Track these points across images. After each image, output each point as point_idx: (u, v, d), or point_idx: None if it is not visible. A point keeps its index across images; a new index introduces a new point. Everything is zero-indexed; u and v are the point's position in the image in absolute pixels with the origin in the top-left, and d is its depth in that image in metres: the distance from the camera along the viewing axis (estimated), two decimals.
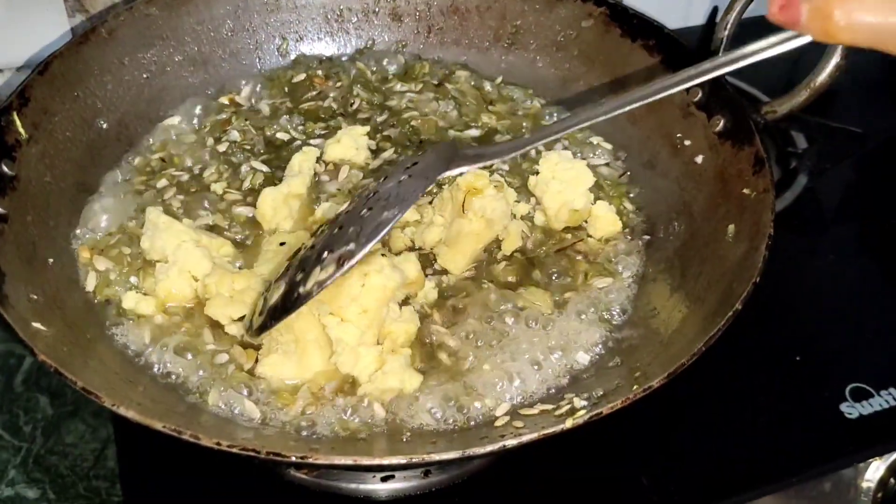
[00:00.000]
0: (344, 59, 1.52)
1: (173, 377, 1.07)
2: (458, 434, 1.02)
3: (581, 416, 0.90)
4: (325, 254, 0.99)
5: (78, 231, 1.21)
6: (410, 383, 1.05)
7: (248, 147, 1.35)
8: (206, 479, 1.13)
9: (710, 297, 1.08)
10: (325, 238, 1.02)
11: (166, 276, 1.14)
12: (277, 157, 1.34)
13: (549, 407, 1.02)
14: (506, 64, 1.51)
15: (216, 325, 1.12)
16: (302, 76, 1.47)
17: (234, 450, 0.85)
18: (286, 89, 1.46)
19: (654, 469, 1.17)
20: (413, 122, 1.41)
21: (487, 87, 1.48)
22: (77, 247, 1.20)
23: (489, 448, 0.88)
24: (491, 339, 1.12)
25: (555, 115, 1.45)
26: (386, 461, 0.88)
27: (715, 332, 0.96)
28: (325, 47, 1.53)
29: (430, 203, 1.24)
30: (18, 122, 1.18)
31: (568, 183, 1.24)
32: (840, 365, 1.31)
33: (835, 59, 1.15)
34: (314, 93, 1.45)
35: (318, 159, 1.31)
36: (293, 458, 0.87)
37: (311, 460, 0.87)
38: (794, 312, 1.39)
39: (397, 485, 1.13)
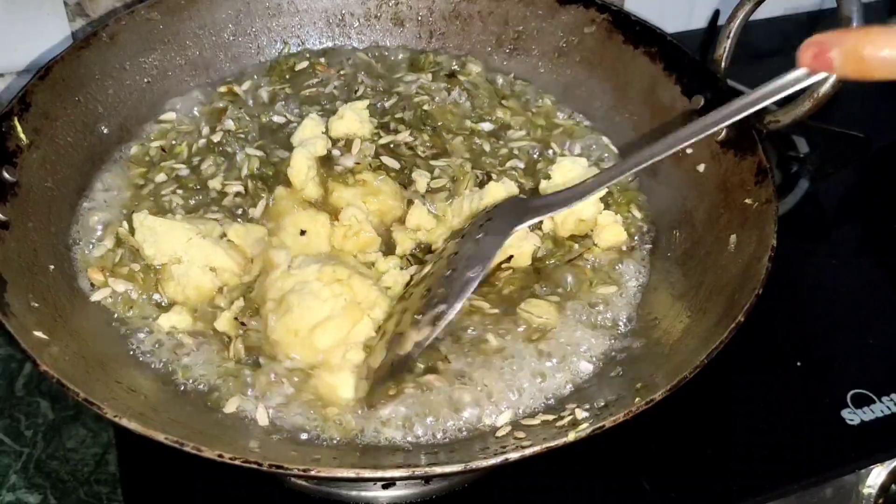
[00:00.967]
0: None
1: (176, 383, 1.07)
2: (459, 445, 1.02)
3: (584, 430, 0.90)
4: (419, 317, 1.04)
5: (75, 233, 1.21)
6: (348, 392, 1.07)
7: (243, 135, 1.35)
8: (207, 485, 1.13)
9: (712, 307, 1.08)
10: (419, 304, 1.07)
11: (187, 277, 1.14)
12: (273, 139, 1.34)
13: (551, 417, 1.02)
14: (508, 69, 1.51)
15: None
16: (305, 64, 1.46)
17: (237, 462, 0.85)
18: (287, 76, 1.45)
19: (655, 474, 1.17)
20: (425, 107, 1.40)
21: (500, 80, 1.48)
22: (79, 257, 1.19)
23: (491, 461, 0.88)
24: (491, 349, 1.12)
25: (566, 113, 1.46)
26: (388, 474, 0.88)
27: (717, 344, 0.96)
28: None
29: (450, 205, 1.25)
30: (19, 128, 1.17)
31: None
32: (842, 371, 1.31)
33: None
34: (316, 80, 1.45)
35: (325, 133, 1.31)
36: (296, 471, 0.87)
37: (313, 472, 0.87)
38: (796, 318, 1.40)
39: (398, 492, 1.13)
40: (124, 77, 1.34)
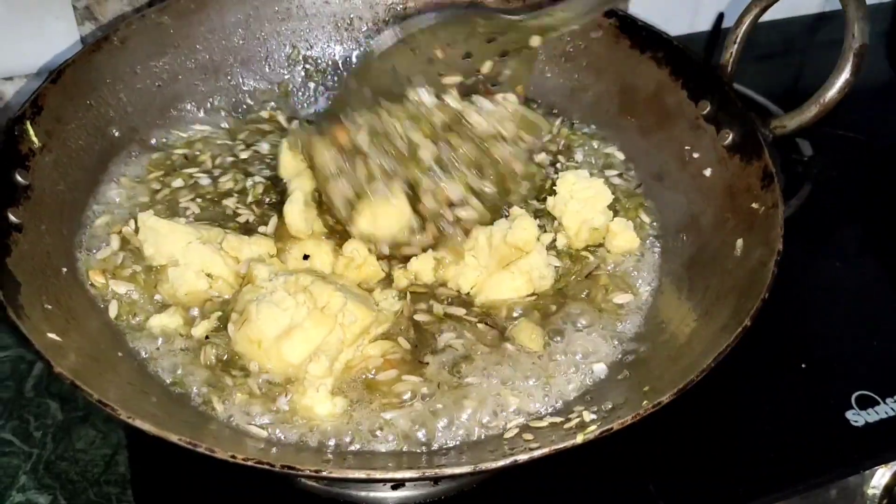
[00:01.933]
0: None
1: (183, 388, 1.08)
2: (468, 447, 1.03)
3: (592, 432, 0.91)
4: None
5: (85, 236, 1.22)
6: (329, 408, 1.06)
7: (271, 159, 1.36)
8: (216, 486, 1.14)
9: (719, 311, 1.08)
10: None
11: (182, 279, 1.15)
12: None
13: (559, 420, 1.03)
14: None
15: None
16: None
17: (250, 462, 0.86)
18: None
19: (661, 476, 1.17)
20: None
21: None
22: (83, 260, 1.19)
23: (500, 463, 0.89)
24: (497, 356, 1.13)
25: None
26: (399, 475, 0.89)
27: (724, 348, 0.97)
28: (334, 55, 1.53)
29: (470, 251, 1.22)
30: (32, 131, 1.18)
31: (586, 202, 1.24)
32: (846, 373, 1.31)
33: (844, 76, 1.15)
34: None
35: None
36: (307, 471, 0.88)
37: (324, 473, 0.88)
38: (800, 320, 1.40)
39: (407, 493, 1.14)
40: (135, 81, 1.35)
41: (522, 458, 0.89)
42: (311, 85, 1.51)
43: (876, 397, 1.27)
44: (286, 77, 1.50)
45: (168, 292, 1.16)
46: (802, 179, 1.61)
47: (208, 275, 1.16)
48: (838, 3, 1.19)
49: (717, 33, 1.88)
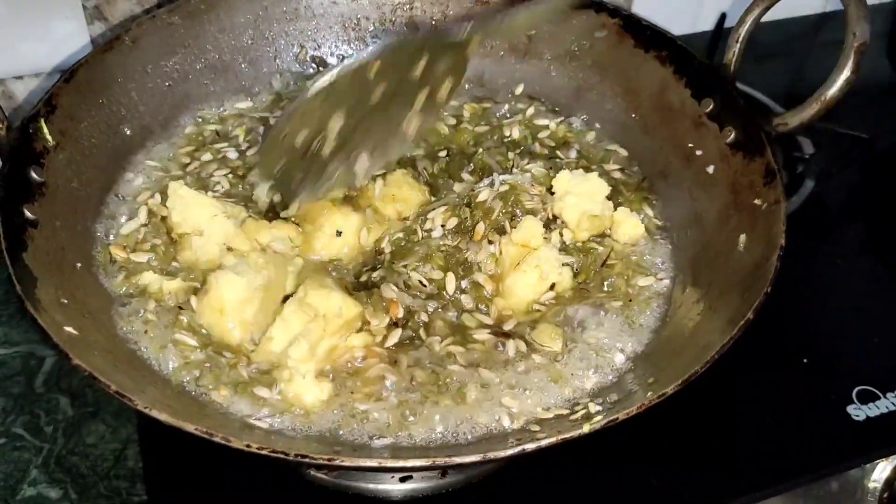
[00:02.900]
0: None
1: (195, 380, 1.09)
2: (476, 438, 1.04)
3: (598, 422, 0.92)
4: None
5: (100, 230, 1.24)
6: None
7: None
8: (226, 477, 1.15)
9: (722, 305, 1.09)
10: None
11: (203, 249, 1.18)
12: None
13: (565, 411, 1.05)
14: (520, 73, 1.52)
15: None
16: None
17: (264, 452, 0.88)
18: None
19: (663, 470, 1.19)
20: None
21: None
22: (101, 248, 1.21)
23: (508, 452, 0.90)
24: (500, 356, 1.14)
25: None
26: (410, 463, 0.91)
27: (728, 340, 0.98)
28: (341, 55, 1.54)
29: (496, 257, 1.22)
30: (46, 129, 1.19)
31: (583, 195, 1.25)
32: (847, 367, 1.33)
33: (845, 73, 1.16)
34: None
35: None
36: (321, 460, 0.89)
37: (337, 462, 0.89)
38: (802, 315, 1.41)
39: (414, 485, 1.15)
40: (146, 80, 1.36)
41: (530, 447, 0.90)
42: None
43: (877, 392, 1.28)
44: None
45: (189, 259, 1.19)
46: (804, 176, 1.62)
47: (229, 248, 1.19)
48: (839, 3, 1.20)
49: (720, 33, 1.89)
